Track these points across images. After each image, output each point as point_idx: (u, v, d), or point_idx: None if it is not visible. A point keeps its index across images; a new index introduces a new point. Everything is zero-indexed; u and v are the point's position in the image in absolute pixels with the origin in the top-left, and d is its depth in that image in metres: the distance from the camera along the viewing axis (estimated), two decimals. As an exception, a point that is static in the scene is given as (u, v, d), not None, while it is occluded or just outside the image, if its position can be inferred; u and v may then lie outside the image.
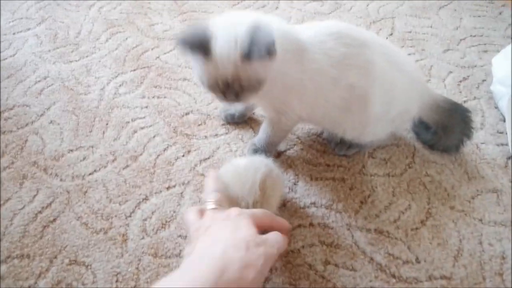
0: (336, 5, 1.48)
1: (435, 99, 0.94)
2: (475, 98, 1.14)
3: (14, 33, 1.31)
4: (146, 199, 0.88)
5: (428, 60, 1.26)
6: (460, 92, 1.16)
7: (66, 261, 0.78)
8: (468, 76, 1.20)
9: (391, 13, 1.46)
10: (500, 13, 1.47)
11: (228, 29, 0.69)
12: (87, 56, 1.24)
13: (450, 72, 1.22)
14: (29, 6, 1.43)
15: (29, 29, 1.33)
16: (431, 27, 1.40)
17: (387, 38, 1.34)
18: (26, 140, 0.99)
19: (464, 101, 1.12)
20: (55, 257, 0.78)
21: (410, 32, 1.37)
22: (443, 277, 0.77)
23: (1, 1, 1.44)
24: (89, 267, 0.77)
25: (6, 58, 1.22)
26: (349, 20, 1.41)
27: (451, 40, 1.34)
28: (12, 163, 0.94)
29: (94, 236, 0.82)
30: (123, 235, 0.82)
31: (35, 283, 0.75)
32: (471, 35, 1.36)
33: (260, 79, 0.72)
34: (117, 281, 0.76)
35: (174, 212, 0.86)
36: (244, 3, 1.49)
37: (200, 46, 0.68)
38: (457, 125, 0.95)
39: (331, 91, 0.82)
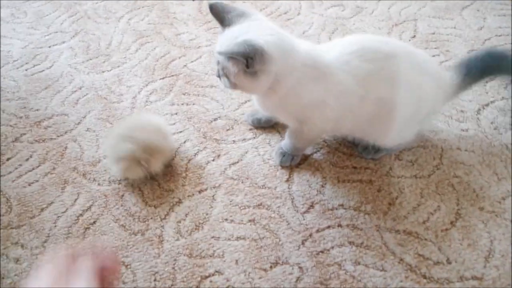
0: (357, 9, 1.50)
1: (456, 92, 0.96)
2: (502, 98, 1.13)
3: (49, 46, 1.38)
4: (179, 202, 0.92)
5: (453, 61, 1.25)
6: (487, 92, 1.15)
7: (107, 261, 0.82)
8: (494, 77, 1.19)
9: (413, 15, 1.46)
10: (526, 12, 1.45)
11: (241, 30, 0.77)
12: (118, 66, 1.29)
13: (476, 72, 1.21)
14: (63, 20, 1.50)
15: (63, 42, 1.40)
16: (454, 27, 1.40)
17: (409, 40, 1.35)
18: (66, 147, 1.05)
19: (492, 102, 1.12)
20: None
21: (433, 33, 1.37)
22: (474, 277, 0.78)
23: (37, 17, 1.52)
24: (128, 266, 0.81)
25: (43, 70, 1.29)
26: (371, 24, 1.43)
27: (476, 40, 1.33)
28: (54, 169, 1.00)
29: (132, 238, 0.86)
30: (159, 236, 0.86)
31: (79, 282, 0.79)
32: (496, 35, 1.35)
33: (229, 75, 0.78)
34: (155, 280, 0.79)
35: (207, 214, 0.89)
36: (267, 10, 1.52)
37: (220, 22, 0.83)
38: None
39: (358, 107, 0.84)
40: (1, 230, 0.88)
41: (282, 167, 0.98)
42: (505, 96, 1.13)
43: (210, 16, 1.48)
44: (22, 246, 0.85)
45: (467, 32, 1.37)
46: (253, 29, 0.78)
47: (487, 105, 1.12)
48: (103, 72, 1.28)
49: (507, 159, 0.98)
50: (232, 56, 0.74)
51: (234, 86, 0.81)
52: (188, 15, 1.51)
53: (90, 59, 1.33)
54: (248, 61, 0.74)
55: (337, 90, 0.82)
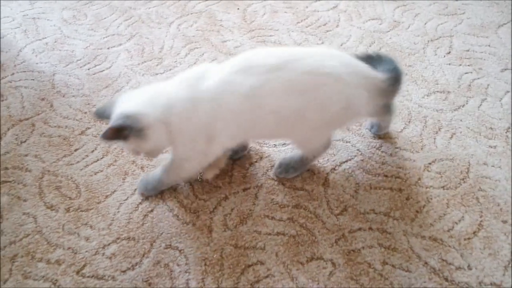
0: (394, 24, 1.57)
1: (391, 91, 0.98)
2: (532, 118, 1.19)
3: (108, 48, 1.53)
4: (226, 197, 1.03)
5: (485, 79, 1.31)
6: (517, 111, 1.21)
7: (163, 245, 0.95)
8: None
9: (449, 31, 1.52)
10: (563, 32, 1.48)
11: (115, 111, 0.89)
12: (170, 70, 1.42)
13: (507, 91, 1.27)
14: (119, 23, 1.64)
15: (120, 44, 1.54)
16: (489, 45, 1.45)
17: (444, 56, 1.41)
18: (125, 142, 1.18)
19: (521, 121, 1.18)
20: (154, 241, 0.95)
21: (468, 50, 1.43)
22: (493, 284, 0.85)
23: (96, 20, 1.67)
24: (182, 251, 0.93)
25: (103, 70, 1.43)
26: (407, 38, 1.49)
27: (509, 59, 1.38)
28: (115, 161, 1.13)
29: (184, 226, 0.98)
30: (208, 227, 0.98)
31: (141, 261, 0.92)
32: (530, 55, 1.39)
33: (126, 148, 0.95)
34: (205, 264, 0.91)
35: (250, 210, 1.00)
36: (307, 21, 1.61)
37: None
38: None
39: (255, 121, 0.89)
40: (73, 212, 1.02)
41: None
42: (535, 116, 1.19)
43: (253, 25, 1.60)
44: (91, 227, 0.99)
45: (502, 50, 1.42)
46: (123, 103, 0.89)
47: (516, 123, 1.18)
48: (156, 74, 1.41)
49: (532, 177, 1.04)
50: (112, 133, 0.85)
51: (136, 153, 0.95)
52: (233, 23, 1.62)
53: (145, 62, 1.46)
54: (127, 129, 0.85)
55: (225, 111, 0.86)
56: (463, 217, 0.97)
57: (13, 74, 1.44)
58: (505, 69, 1.35)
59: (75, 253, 0.94)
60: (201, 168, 0.98)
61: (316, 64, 0.87)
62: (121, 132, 0.86)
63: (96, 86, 1.37)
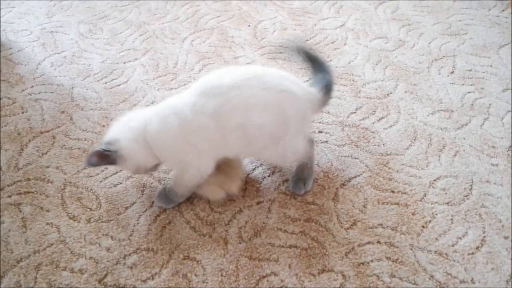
0: (400, 43, 1.63)
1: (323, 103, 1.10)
2: (532, 137, 1.24)
3: (124, 62, 1.58)
4: (240, 211, 1.08)
5: (487, 99, 1.37)
6: (518, 131, 1.26)
7: (181, 256, 0.99)
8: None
9: (453, 51, 1.58)
10: (561, 54, 1.54)
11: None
12: (184, 85, 1.47)
13: (508, 111, 1.32)
14: (134, 38, 1.70)
15: (136, 59, 1.60)
16: (491, 66, 1.51)
17: (448, 76, 1.47)
18: (143, 155, 1.23)
19: (521, 140, 1.23)
20: (173, 252, 1.00)
21: (470, 70, 1.49)
22: (495, 297, 0.90)
23: (112, 34, 1.73)
24: (199, 262, 0.98)
25: (120, 84, 1.49)
26: (412, 57, 1.56)
27: (510, 79, 1.44)
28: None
29: (201, 238, 1.03)
30: (224, 239, 1.02)
31: (160, 271, 0.97)
32: (530, 76, 1.45)
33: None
34: (221, 275, 0.95)
35: (264, 223, 1.05)
36: (316, 39, 1.67)
37: None
38: None
39: (224, 139, 0.96)
40: (94, 223, 1.07)
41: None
42: (535, 135, 1.24)
43: (264, 41, 1.66)
44: (111, 237, 1.04)
45: (503, 71, 1.48)
46: (108, 133, 1.03)
47: (517, 142, 1.23)
48: (171, 89, 1.46)
49: (532, 194, 1.09)
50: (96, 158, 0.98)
51: (133, 172, 1.09)
52: (244, 40, 1.68)
53: (160, 77, 1.51)
54: (107, 154, 0.98)
55: (191, 130, 0.96)
56: (466, 232, 1.02)
57: (32, 86, 1.49)
58: (506, 89, 1.40)
59: (97, 262, 0.99)
60: (201, 178, 1.03)
61: (274, 82, 0.96)
62: (105, 158, 0.98)
63: (114, 100, 1.42)
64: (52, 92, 1.46)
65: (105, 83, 1.50)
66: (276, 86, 0.96)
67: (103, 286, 0.94)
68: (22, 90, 1.48)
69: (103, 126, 1.33)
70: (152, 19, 1.82)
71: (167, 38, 1.71)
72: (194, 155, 0.99)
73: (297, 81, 1.04)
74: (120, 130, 1.02)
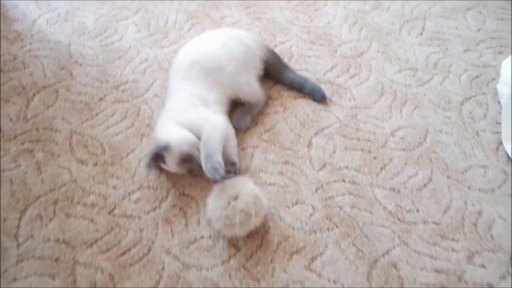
0: (376, 5, 1.75)
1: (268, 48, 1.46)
2: (483, 93, 1.42)
3: (117, 21, 1.68)
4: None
5: (449, 59, 1.53)
6: (472, 88, 1.43)
7: (177, 193, 1.17)
8: (480, 75, 1.47)
9: (424, 13, 1.71)
10: (521, 17, 1.69)
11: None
12: (175, 43, 1.59)
13: (466, 70, 1.49)
14: (125, -4, 1.78)
15: (128, 17, 1.69)
16: (456, 28, 1.65)
17: (417, 37, 1.61)
18: (140, 108, 1.38)
19: (474, 96, 1.41)
20: (170, 190, 1.18)
21: (438, 32, 1.63)
22: (434, 222, 1.11)
23: (103, -9, 1.80)
24: (193, 197, 1.16)
25: (114, 42, 1.59)
26: (386, 19, 1.68)
27: (472, 41, 1.59)
28: (133, 124, 1.33)
29: (194, 178, 1.20)
30: (214, 179, 1.20)
31: (160, 205, 1.15)
32: (490, 37, 1.60)
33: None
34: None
35: (247, 166, 1.23)
36: (298, 1, 1.78)
37: None
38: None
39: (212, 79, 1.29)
40: (100, 166, 1.23)
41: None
42: (485, 92, 1.42)
43: (250, 2, 1.75)
44: (117, 178, 1.21)
45: (467, 33, 1.63)
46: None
47: (470, 98, 1.40)
48: (162, 47, 1.58)
49: (476, 142, 1.28)
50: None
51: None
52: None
53: (151, 35, 1.62)
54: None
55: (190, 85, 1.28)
56: (417, 173, 1.21)
57: (31, 43, 1.59)
58: (467, 50, 1.56)
59: (106, 198, 1.16)
60: (221, 117, 1.22)
61: (226, 33, 1.40)
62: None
63: (109, 57, 1.54)
64: (51, 49, 1.56)
65: (100, 41, 1.60)
66: (227, 34, 1.38)
67: (113, 216, 1.13)
68: (22, 47, 1.57)
69: (101, 81, 1.46)
70: (141, -23, 1.88)
71: (157, -3, 1.79)
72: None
73: (249, 35, 1.44)
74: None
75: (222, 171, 1.05)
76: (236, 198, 1.03)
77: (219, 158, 1.07)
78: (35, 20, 1.68)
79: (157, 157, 1.13)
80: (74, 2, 1.75)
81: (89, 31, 1.63)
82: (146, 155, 1.13)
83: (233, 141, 1.23)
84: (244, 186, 1.06)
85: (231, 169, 1.15)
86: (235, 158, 1.19)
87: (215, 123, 1.17)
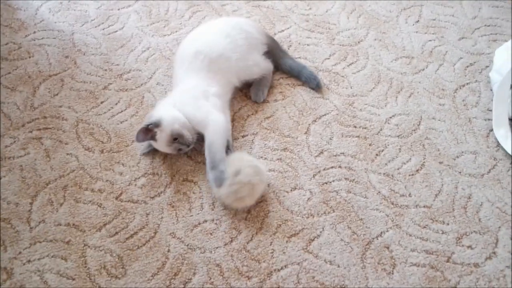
0: (374, -8, 1.77)
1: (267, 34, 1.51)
2: (476, 81, 1.46)
3: (118, 9, 1.70)
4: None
5: (444, 47, 1.56)
6: (466, 75, 1.47)
7: (181, 178, 1.23)
8: (474, 62, 1.51)
9: (421, 1, 1.73)
10: (517, 4, 1.71)
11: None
12: (176, 31, 1.62)
13: (461, 58, 1.52)
14: (126, -16, 1.79)
15: (129, 5, 1.71)
16: (453, 15, 1.67)
17: (413, 24, 1.64)
18: (143, 96, 1.42)
19: (467, 83, 1.45)
20: (174, 176, 1.23)
21: (434, 19, 1.66)
22: (425, 206, 1.17)
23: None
24: (196, 183, 1.22)
25: (117, 31, 1.62)
26: (384, 7, 1.71)
27: (467, 28, 1.62)
28: (137, 112, 1.38)
29: (197, 165, 1.25)
30: (216, 165, 1.25)
31: (164, 190, 1.20)
32: (485, 25, 1.63)
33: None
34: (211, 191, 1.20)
35: (248, 152, 1.28)
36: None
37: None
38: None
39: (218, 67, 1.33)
40: (106, 153, 1.28)
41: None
42: (478, 79, 1.46)
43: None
44: (123, 164, 1.26)
45: (462, 20, 1.65)
46: None
47: (463, 85, 1.45)
48: (164, 35, 1.60)
49: (467, 128, 1.33)
50: None
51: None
52: (230, -13, 1.79)
53: (153, 23, 1.65)
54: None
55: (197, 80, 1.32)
56: (410, 159, 1.27)
57: (35, 32, 1.61)
58: (462, 38, 1.59)
59: (113, 184, 1.22)
60: (221, 116, 1.25)
61: (228, 22, 1.46)
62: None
63: (112, 45, 1.57)
64: (54, 38, 1.59)
65: (103, 29, 1.62)
66: (229, 23, 1.42)
67: (120, 202, 1.18)
68: (26, 36, 1.60)
69: (105, 70, 1.49)
70: (141, -36, 1.89)
71: (157, -16, 1.80)
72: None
73: (249, 21, 1.50)
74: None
75: (224, 180, 1.11)
76: (238, 173, 1.11)
77: (222, 167, 1.13)
78: (38, 8, 1.70)
79: (148, 130, 1.19)
80: (75, -10, 1.77)
81: (91, 20, 1.66)
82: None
83: (229, 130, 1.30)
84: (242, 160, 1.15)
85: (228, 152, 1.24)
86: (229, 144, 1.27)
87: (218, 126, 1.22)
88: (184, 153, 1.26)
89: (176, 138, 1.19)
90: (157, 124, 1.19)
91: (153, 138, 1.20)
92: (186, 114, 1.23)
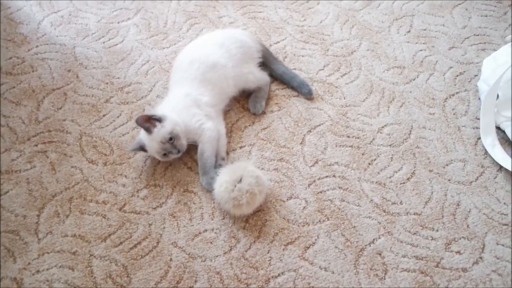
0: (367, 3, 1.81)
1: (261, 42, 1.58)
2: (465, 90, 1.51)
3: (118, 22, 1.74)
4: (227, 153, 1.35)
5: (434, 56, 1.61)
6: (455, 84, 1.53)
7: (182, 189, 1.28)
8: (464, 71, 1.56)
9: (412, 11, 1.78)
10: (505, 13, 1.77)
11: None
12: (174, 44, 1.66)
13: (451, 67, 1.58)
14: (125, -3, 1.84)
15: (129, 18, 1.76)
16: (443, 25, 1.73)
17: (405, 35, 1.69)
18: (144, 109, 1.47)
19: (457, 92, 1.50)
20: (175, 187, 1.28)
21: (425, 29, 1.71)
22: (415, 213, 1.22)
23: (103, -8, 1.85)
24: (196, 193, 1.27)
25: (117, 44, 1.67)
26: (376, 17, 1.76)
27: (457, 38, 1.67)
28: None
29: (197, 176, 1.30)
30: (215, 176, 1.30)
31: (166, 201, 1.26)
32: (474, 34, 1.68)
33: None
34: (213, 202, 1.25)
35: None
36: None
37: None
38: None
39: (214, 79, 1.40)
40: (109, 165, 1.33)
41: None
42: (467, 88, 1.51)
43: (245, 2, 1.82)
44: (125, 176, 1.31)
45: (452, 30, 1.71)
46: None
47: (453, 95, 1.50)
48: (163, 48, 1.65)
49: (457, 137, 1.39)
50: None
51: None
52: (227, -1, 1.84)
53: (152, 36, 1.69)
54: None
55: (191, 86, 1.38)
56: (401, 167, 1.32)
57: (37, 46, 1.66)
58: (452, 47, 1.64)
59: (116, 195, 1.27)
60: (213, 124, 1.32)
61: (223, 34, 1.52)
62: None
63: (113, 59, 1.62)
64: (57, 52, 1.64)
65: (103, 42, 1.67)
66: (224, 34, 1.49)
67: (123, 213, 1.23)
68: (28, 50, 1.65)
69: (106, 83, 1.54)
70: (139, -23, 1.93)
71: (156, -3, 1.85)
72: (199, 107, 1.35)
73: (243, 32, 1.58)
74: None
75: (213, 185, 1.21)
76: (240, 181, 1.16)
77: (212, 174, 1.25)
78: (40, 22, 1.75)
79: (149, 120, 1.24)
80: (76, 3, 1.81)
81: (92, 33, 1.70)
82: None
83: (224, 140, 1.36)
84: (246, 169, 1.20)
85: (221, 163, 1.30)
86: (224, 154, 1.34)
87: (209, 136, 1.30)
88: (166, 161, 1.32)
89: (171, 139, 1.24)
90: (160, 119, 1.24)
91: (148, 130, 1.24)
92: (181, 121, 1.29)
